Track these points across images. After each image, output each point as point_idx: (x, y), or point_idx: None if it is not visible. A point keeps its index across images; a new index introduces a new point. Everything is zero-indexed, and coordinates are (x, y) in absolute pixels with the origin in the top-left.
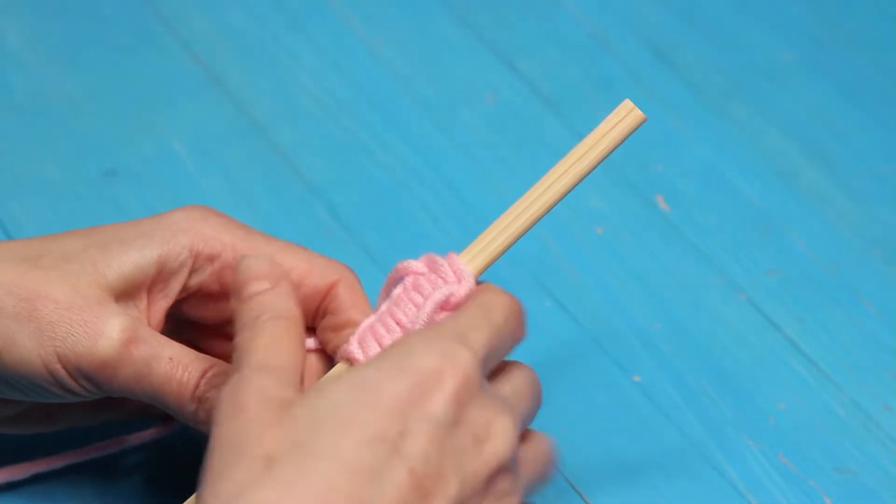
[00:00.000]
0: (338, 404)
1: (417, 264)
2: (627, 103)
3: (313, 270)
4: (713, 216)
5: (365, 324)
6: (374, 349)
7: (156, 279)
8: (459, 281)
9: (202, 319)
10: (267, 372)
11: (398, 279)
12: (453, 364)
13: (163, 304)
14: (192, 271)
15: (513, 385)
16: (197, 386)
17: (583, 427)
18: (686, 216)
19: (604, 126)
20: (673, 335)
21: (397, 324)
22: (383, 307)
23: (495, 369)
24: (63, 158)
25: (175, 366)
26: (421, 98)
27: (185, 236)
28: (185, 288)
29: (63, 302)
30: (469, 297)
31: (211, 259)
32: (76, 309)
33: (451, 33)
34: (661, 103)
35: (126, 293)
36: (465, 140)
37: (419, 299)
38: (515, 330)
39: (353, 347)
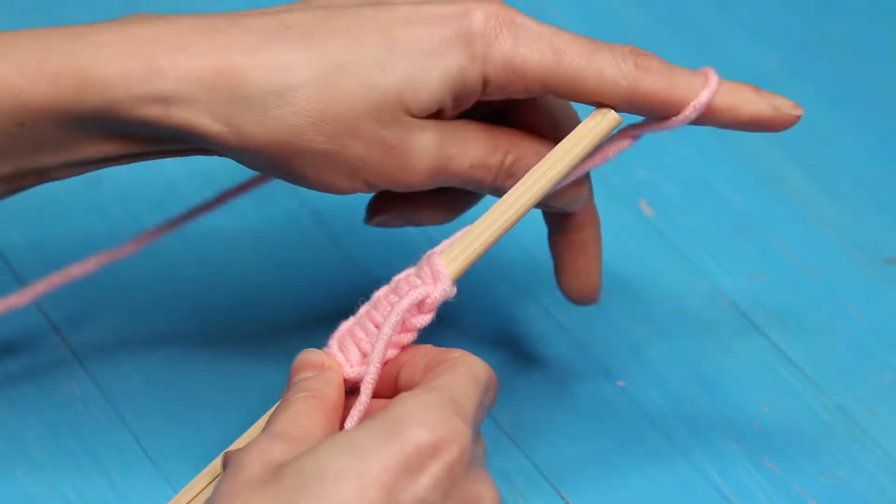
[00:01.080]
0: (325, 469)
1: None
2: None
3: None
4: (697, 221)
5: (344, 326)
6: (354, 353)
7: (454, 103)
8: (435, 282)
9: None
10: (279, 438)
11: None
12: (449, 439)
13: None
14: (485, 87)
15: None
16: (495, 179)
17: (567, 431)
18: (669, 221)
19: (580, 129)
20: (657, 340)
21: (376, 326)
22: (363, 309)
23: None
24: None
25: (475, 171)
26: None
27: (478, 61)
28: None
29: (371, 137)
30: (441, 299)
31: (507, 81)
32: (384, 145)
33: None
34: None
35: (425, 112)
36: None
37: (397, 301)
38: (492, 400)
39: (334, 352)
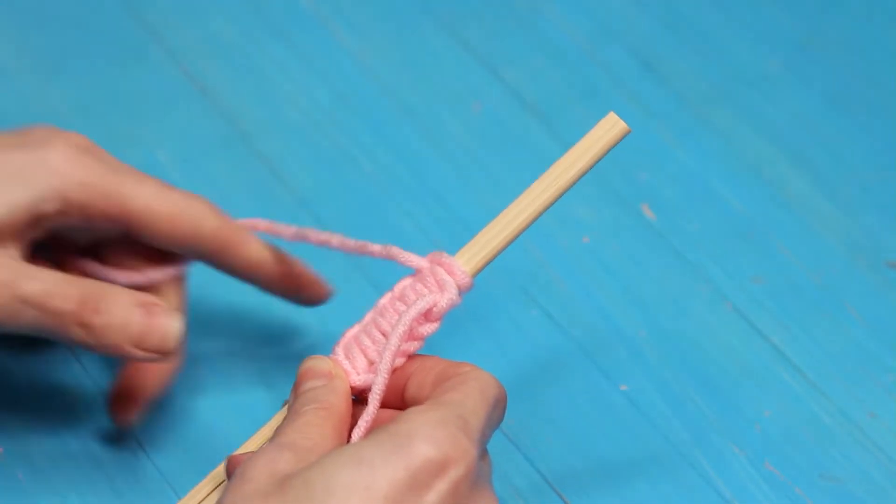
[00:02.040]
0: (332, 482)
1: (417, 260)
2: (612, 116)
3: (182, 216)
4: (698, 224)
5: (350, 333)
6: (360, 360)
7: (29, 221)
8: (442, 291)
9: (73, 242)
10: (287, 449)
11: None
12: (456, 457)
13: (34, 238)
14: (63, 215)
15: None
16: (76, 313)
17: (569, 436)
18: (671, 224)
19: (589, 137)
20: (659, 343)
21: (382, 334)
22: (368, 316)
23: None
24: None
25: (50, 297)
26: (406, 107)
27: (58, 179)
28: (53, 226)
29: None
30: (448, 308)
31: (82, 206)
32: None
33: (437, 42)
34: (646, 112)
35: None
36: (451, 149)
37: (403, 309)
38: (501, 416)
39: (340, 359)
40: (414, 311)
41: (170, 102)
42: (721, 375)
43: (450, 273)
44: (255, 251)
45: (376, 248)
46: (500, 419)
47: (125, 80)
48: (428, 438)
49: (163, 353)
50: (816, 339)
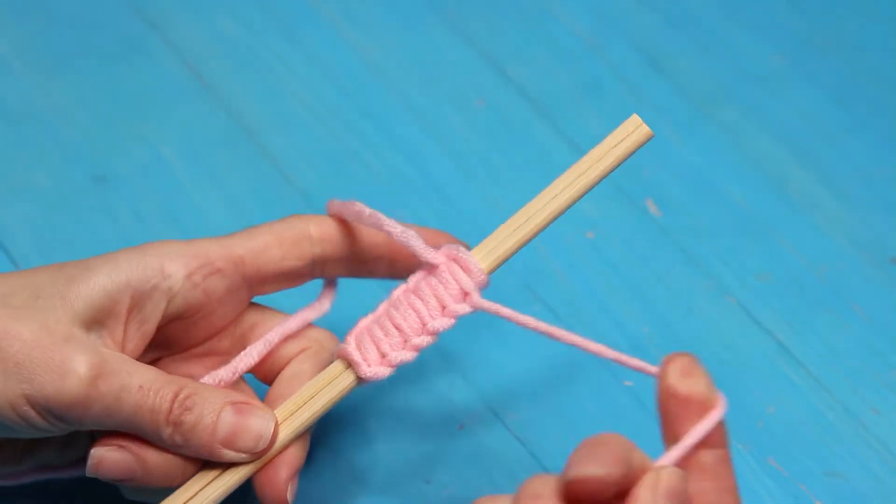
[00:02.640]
0: None
1: (433, 255)
2: (635, 118)
3: (275, 233)
4: (703, 220)
5: (362, 324)
6: (372, 352)
7: (129, 305)
8: (470, 276)
9: (191, 340)
10: None
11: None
12: None
13: (141, 328)
14: (175, 294)
15: None
16: (170, 411)
17: (574, 431)
18: (676, 220)
19: (611, 140)
20: (663, 339)
21: (396, 328)
22: (381, 308)
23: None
24: (53, 165)
25: (145, 393)
26: (411, 103)
27: (154, 258)
28: (168, 311)
29: (30, 341)
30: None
31: (190, 275)
32: (42, 348)
33: (442, 39)
34: (651, 108)
35: (97, 321)
36: (456, 145)
37: (419, 305)
38: None
39: (352, 349)
40: (449, 290)
41: (174, 99)
42: (725, 371)
43: (466, 270)
44: None
45: (397, 228)
46: None
47: (130, 76)
48: None
49: (253, 455)
50: (820, 336)
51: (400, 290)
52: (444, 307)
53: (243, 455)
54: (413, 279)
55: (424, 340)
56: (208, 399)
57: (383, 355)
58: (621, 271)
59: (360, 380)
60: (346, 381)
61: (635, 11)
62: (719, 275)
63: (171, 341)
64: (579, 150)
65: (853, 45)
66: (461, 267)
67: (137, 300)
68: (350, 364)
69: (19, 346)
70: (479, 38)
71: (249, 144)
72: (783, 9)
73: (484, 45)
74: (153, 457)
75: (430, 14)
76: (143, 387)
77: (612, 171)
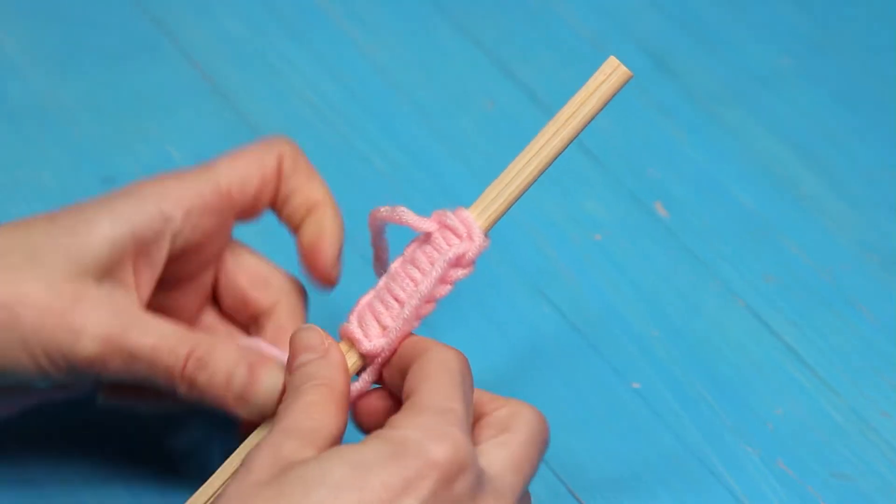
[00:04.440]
0: (328, 478)
1: (421, 222)
2: (612, 60)
3: (257, 164)
4: (710, 222)
5: (363, 300)
6: (374, 327)
7: (135, 251)
8: (471, 238)
9: (185, 274)
10: (292, 434)
11: (381, 225)
12: (457, 463)
13: (150, 273)
14: (176, 235)
15: (511, 453)
16: (184, 367)
17: (581, 433)
18: (684, 222)
19: (591, 84)
20: (671, 341)
21: (395, 299)
22: (381, 282)
23: (493, 424)
24: (60, 165)
25: (159, 351)
26: (418, 105)
27: (151, 201)
28: (170, 253)
29: (42, 305)
30: (478, 253)
31: (188, 215)
32: (55, 311)
33: (449, 40)
34: (658, 109)
35: (107, 271)
36: (463, 147)
37: (417, 274)
38: (472, 384)
39: (353, 327)
40: (442, 265)
41: (181, 99)
42: (732, 373)
43: (461, 231)
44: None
45: (383, 211)
46: (472, 385)
47: (136, 76)
48: (423, 438)
49: (262, 411)
50: (828, 338)
51: (397, 262)
52: (461, 258)
53: (255, 410)
54: (408, 249)
55: (444, 290)
56: (222, 357)
57: (384, 328)
58: (629, 273)
59: (364, 357)
60: (349, 362)
61: (643, 13)
62: (726, 276)
63: (168, 279)
64: (586, 150)
65: (860, 47)
66: (453, 231)
67: (143, 246)
68: (352, 343)
69: (32, 311)
70: (487, 40)
71: None
72: (790, 10)
73: (492, 46)
74: (152, 398)
75: (438, 16)
76: (157, 345)
77: (594, 116)
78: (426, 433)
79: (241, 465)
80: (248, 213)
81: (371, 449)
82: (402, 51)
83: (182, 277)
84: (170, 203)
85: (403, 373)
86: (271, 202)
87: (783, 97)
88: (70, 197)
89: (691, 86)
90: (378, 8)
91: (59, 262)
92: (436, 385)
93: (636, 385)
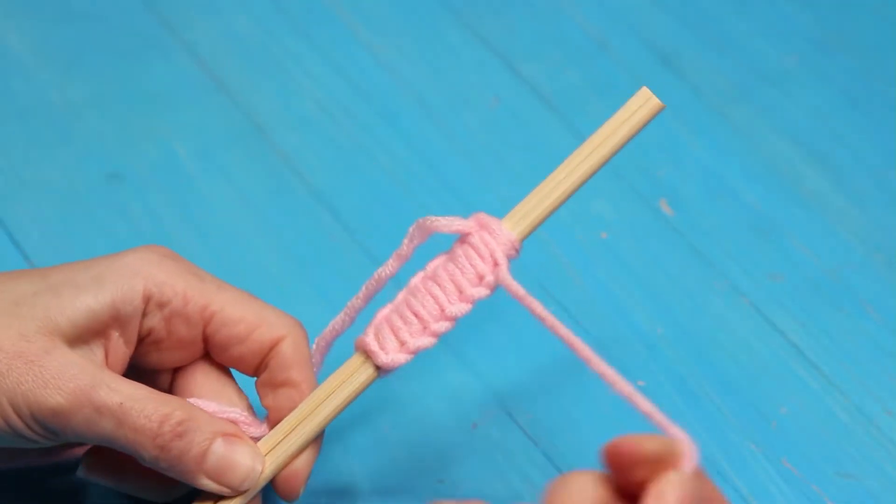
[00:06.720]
0: None
1: (459, 224)
2: (645, 91)
3: (261, 324)
4: (716, 220)
5: (381, 314)
6: (391, 341)
7: (111, 324)
8: (495, 262)
9: (157, 365)
10: None
11: (424, 233)
12: None
13: (123, 348)
14: (144, 315)
15: None
16: (157, 433)
17: (587, 432)
18: (689, 221)
19: (621, 114)
20: (676, 340)
21: (415, 315)
22: (400, 296)
23: None
24: (66, 163)
25: (126, 411)
26: (424, 102)
27: (138, 280)
28: (143, 331)
29: (11, 351)
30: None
31: (161, 306)
32: (25, 358)
33: (455, 37)
34: (664, 108)
35: (81, 338)
36: (468, 144)
37: (437, 291)
38: None
39: (370, 339)
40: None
41: (187, 97)
42: (738, 372)
43: (493, 238)
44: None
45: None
46: None
47: (143, 74)
48: None
49: (235, 491)
50: (833, 336)
51: (418, 277)
52: (461, 292)
53: (226, 490)
54: (431, 265)
55: (443, 326)
56: (201, 427)
57: (402, 343)
58: (635, 271)
59: (379, 369)
60: (364, 374)
61: (649, 11)
62: (732, 275)
63: (151, 340)
64: None
65: (867, 46)
66: (476, 251)
67: (120, 321)
68: (368, 354)
69: (1, 356)
70: (492, 37)
71: (262, 143)
72: (797, 9)
73: (497, 43)
74: (134, 479)
75: (443, 13)
76: (125, 405)
77: (621, 147)
78: None
79: None
80: (223, 355)
81: None
82: (408, 47)
83: (163, 338)
84: (156, 287)
85: None
86: (254, 370)
87: (790, 96)
88: (76, 194)
89: (698, 84)
90: (384, 6)
91: (38, 317)
92: None
93: (641, 383)
